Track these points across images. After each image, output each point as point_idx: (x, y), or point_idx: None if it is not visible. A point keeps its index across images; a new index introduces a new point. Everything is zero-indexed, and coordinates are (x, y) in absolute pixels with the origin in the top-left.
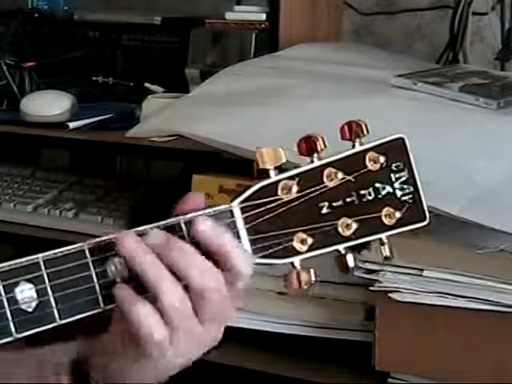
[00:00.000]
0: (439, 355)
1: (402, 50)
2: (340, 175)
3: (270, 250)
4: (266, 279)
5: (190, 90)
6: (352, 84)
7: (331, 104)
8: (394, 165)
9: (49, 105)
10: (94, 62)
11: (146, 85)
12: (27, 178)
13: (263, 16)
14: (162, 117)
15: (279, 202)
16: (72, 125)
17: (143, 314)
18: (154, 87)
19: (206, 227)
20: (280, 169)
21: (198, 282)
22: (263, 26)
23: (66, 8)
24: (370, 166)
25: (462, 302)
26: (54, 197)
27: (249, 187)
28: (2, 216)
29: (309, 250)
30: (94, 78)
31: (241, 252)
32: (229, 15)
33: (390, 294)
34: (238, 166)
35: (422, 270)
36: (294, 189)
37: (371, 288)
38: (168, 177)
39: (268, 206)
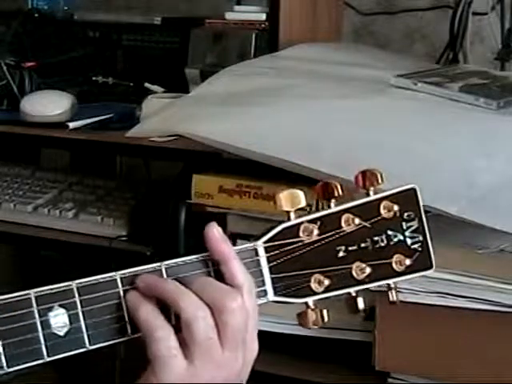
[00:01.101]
0: (439, 355)
1: (402, 50)
2: (357, 221)
3: (289, 290)
4: None
5: (189, 90)
6: (352, 84)
7: (331, 104)
8: (405, 214)
9: (49, 105)
10: (94, 62)
11: (146, 85)
12: (27, 177)
13: (263, 16)
14: (161, 117)
15: (300, 243)
16: (72, 125)
17: (146, 312)
18: (154, 87)
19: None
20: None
21: (218, 301)
22: (263, 26)
23: (65, 8)
24: (384, 213)
25: (461, 302)
26: (54, 197)
27: (273, 227)
28: (1, 216)
29: (324, 291)
30: (93, 78)
31: (240, 264)
32: (229, 15)
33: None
34: (237, 166)
35: None
36: (315, 232)
37: (371, 288)
38: (168, 177)
39: (290, 247)
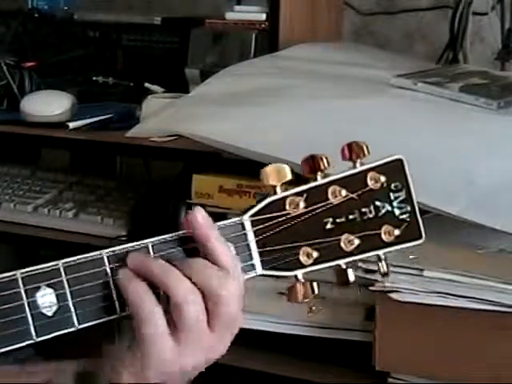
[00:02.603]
0: (439, 355)
1: (402, 50)
2: (344, 193)
3: (277, 262)
4: (266, 279)
5: (189, 90)
6: (352, 84)
7: (331, 104)
8: (393, 184)
9: (49, 105)
10: (94, 62)
11: (146, 85)
12: (27, 177)
13: (263, 16)
14: (161, 117)
15: (287, 216)
16: (72, 125)
17: (135, 291)
18: (154, 87)
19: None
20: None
21: (214, 290)
22: (263, 26)
23: (65, 8)
24: (371, 184)
25: (461, 302)
26: (54, 197)
27: (259, 202)
28: (2, 216)
29: (313, 264)
30: (94, 78)
31: (225, 248)
32: (229, 15)
33: (390, 294)
34: (238, 166)
35: (422, 270)
36: (301, 204)
37: (371, 288)
38: (168, 177)
39: (277, 220)
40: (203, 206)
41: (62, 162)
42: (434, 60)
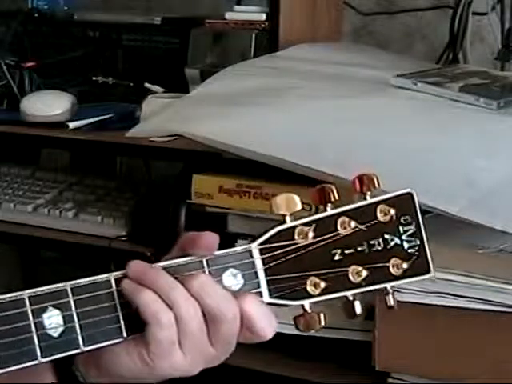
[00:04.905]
0: (439, 355)
1: (402, 50)
2: (353, 224)
3: (285, 291)
4: None
5: (189, 90)
6: (352, 84)
7: (331, 104)
8: (402, 218)
9: (49, 105)
10: (94, 62)
11: (146, 85)
12: (27, 178)
13: (263, 16)
14: (162, 117)
15: (295, 246)
16: (72, 125)
17: (149, 299)
18: (154, 87)
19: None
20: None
21: (213, 309)
22: (263, 26)
23: (65, 8)
24: (381, 217)
25: (462, 302)
26: (54, 197)
27: (268, 230)
28: (2, 216)
29: (321, 294)
30: (93, 78)
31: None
32: (229, 15)
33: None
34: (238, 166)
35: None
36: (310, 235)
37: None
38: (168, 177)
39: (285, 250)
40: (203, 206)
41: (62, 162)
42: (433, 60)
